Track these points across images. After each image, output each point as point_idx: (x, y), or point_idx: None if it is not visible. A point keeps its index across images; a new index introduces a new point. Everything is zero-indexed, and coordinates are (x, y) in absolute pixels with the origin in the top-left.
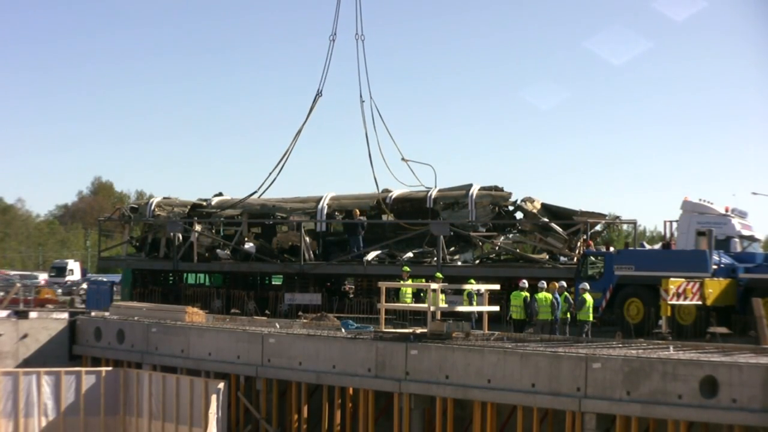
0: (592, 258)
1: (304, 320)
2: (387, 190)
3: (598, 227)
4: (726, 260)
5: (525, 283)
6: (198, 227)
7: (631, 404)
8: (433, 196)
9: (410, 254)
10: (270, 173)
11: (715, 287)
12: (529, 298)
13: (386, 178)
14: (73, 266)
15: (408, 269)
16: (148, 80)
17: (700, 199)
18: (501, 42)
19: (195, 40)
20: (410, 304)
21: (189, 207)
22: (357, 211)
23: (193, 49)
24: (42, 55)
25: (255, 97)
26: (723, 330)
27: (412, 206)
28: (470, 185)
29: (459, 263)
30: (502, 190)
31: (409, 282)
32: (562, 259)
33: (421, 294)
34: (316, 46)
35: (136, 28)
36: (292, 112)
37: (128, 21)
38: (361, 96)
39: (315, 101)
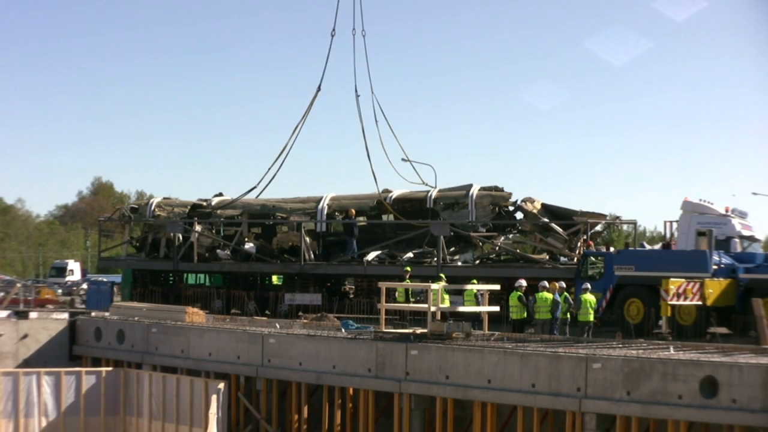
0: (593, 258)
1: (305, 320)
2: (387, 191)
3: (598, 227)
4: (726, 260)
5: (520, 282)
6: (198, 227)
7: (631, 404)
8: (433, 197)
9: (410, 254)
10: (269, 168)
11: (715, 287)
12: (525, 298)
13: (388, 177)
14: (74, 266)
15: (410, 269)
16: (147, 80)
17: (700, 200)
18: (501, 42)
19: (195, 40)
20: (411, 305)
21: (189, 207)
22: (352, 211)
23: (192, 49)
24: (42, 55)
25: (255, 96)
26: (723, 330)
27: (413, 206)
28: (470, 185)
29: (459, 263)
30: (502, 190)
31: (408, 282)
32: (562, 259)
33: (411, 297)
34: (318, 44)
35: (136, 28)
36: (292, 111)
37: (127, 21)
38: (356, 90)
39: (314, 96)
